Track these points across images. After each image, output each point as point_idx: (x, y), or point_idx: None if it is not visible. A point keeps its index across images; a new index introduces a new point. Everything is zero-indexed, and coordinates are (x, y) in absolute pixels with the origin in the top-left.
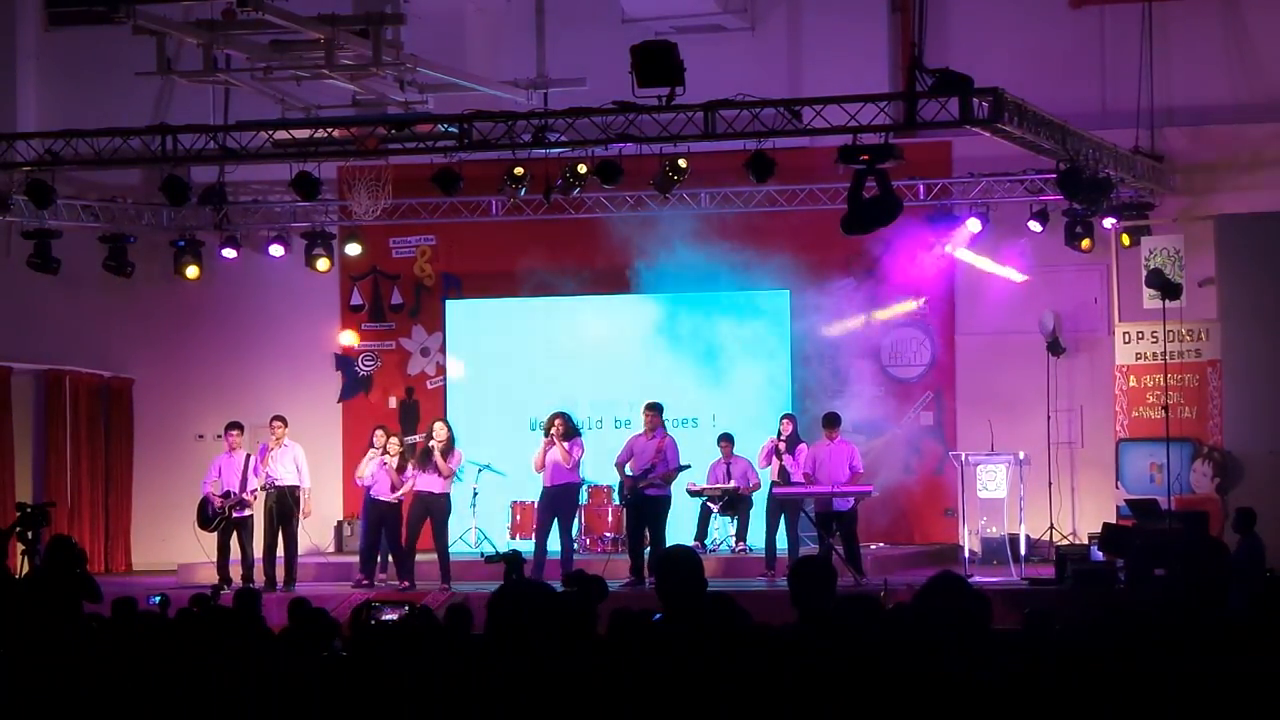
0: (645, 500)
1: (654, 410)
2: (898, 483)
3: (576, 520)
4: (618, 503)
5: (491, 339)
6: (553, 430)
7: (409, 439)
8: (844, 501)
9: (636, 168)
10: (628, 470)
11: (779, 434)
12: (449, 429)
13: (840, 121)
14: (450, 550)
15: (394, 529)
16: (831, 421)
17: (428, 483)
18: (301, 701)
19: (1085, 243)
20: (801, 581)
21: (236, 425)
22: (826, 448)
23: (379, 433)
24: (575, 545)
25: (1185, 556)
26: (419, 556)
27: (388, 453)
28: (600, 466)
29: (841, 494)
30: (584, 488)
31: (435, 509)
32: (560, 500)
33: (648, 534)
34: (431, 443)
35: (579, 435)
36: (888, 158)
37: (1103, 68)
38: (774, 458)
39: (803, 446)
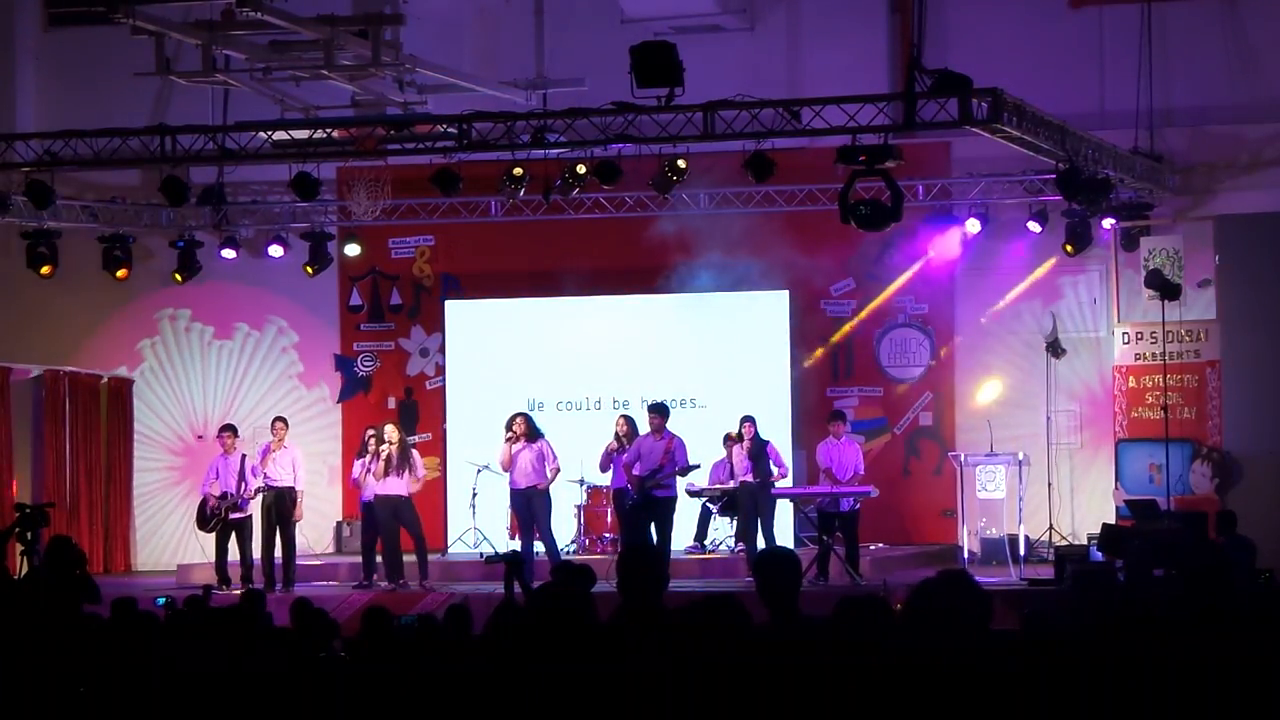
0: (654, 501)
1: (658, 412)
2: (897, 483)
3: (576, 520)
4: (629, 505)
5: (490, 339)
6: (516, 430)
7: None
8: (849, 501)
9: (636, 168)
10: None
11: (742, 437)
12: (400, 431)
13: (839, 122)
14: (450, 550)
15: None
16: (838, 418)
17: (394, 486)
18: (303, 700)
19: (1068, 248)
20: (767, 575)
21: (230, 428)
22: (836, 446)
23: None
24: (575, 546)
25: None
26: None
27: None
28: (594, 466)
29: (845, 494)
30: (583, 488)
31: (402, 511)
32: (536, 500)
33: (654, 534)
34: (391, 446)
35: (542, 437)
36: (886, 158)
37: (1102, 68)
38: (749, 459)
39: (771, 446)
